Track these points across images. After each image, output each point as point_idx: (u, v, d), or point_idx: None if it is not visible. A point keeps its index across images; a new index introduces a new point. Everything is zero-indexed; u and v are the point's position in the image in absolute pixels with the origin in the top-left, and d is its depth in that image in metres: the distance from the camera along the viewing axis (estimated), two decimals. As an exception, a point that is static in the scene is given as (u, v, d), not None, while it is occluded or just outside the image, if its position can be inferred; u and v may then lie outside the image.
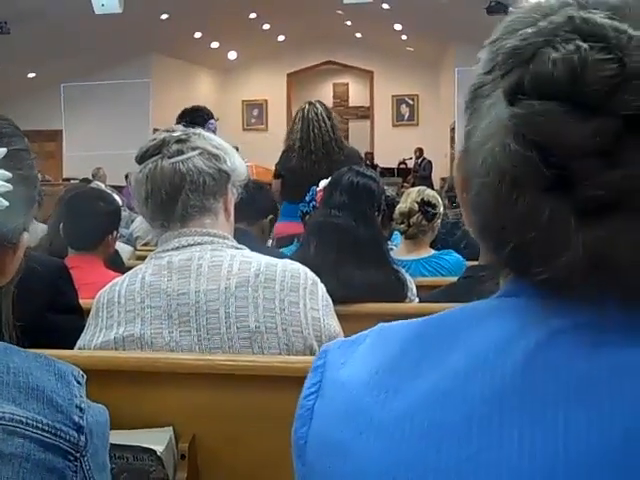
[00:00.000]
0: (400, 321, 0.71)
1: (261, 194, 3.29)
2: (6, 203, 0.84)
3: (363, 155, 16.70)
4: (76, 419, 0.83)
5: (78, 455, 0.82)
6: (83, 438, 0.83)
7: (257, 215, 3.17)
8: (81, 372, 0.88)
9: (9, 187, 0.85)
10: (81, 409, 0.84)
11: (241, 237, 1.80)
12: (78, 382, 0.86)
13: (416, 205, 3.28)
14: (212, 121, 4.36)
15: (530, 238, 0.60)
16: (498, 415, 0.58)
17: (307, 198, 3.43)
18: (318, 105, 4.33)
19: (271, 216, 3.28)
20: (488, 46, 0.68)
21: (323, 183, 3.06)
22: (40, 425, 0.79)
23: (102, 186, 7.83)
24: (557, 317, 0.60)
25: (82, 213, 2.81)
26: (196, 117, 4.02)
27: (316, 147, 4.19)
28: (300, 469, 0.71)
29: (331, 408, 0.68)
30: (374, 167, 13.67)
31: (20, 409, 0.79)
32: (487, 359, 0.61)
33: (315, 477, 0.68)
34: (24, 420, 0.78)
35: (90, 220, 2.78)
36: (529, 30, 0.61)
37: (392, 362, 0.66)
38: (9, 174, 0.86)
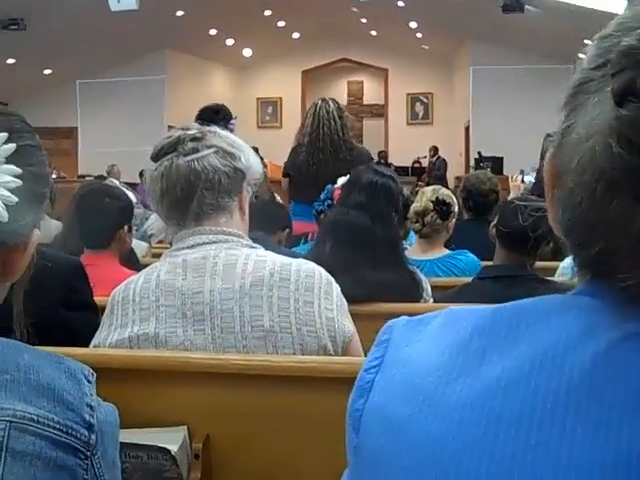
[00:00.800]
0: (471, 307, 0.71)
1: (280, 210, 3.37)
2: (15, 199, 0.84)
3: (376, 153, 16.79)
4: (87, 417, 0.82)
5: (89, 453, 0.82)
6: (94, 436, 0.82)
7: (274, 227, 3.21)
8: (91, 370, 0.87)
9: (19, 182, 0.85)
10: (92, 407, 0.83)
11: (258, 242, 1.79)
12: (88, 380, 0.86)
13: (431, 204, 3.27)
14: (232, 121, 4.36)
15: (619, 243, 0.59)
16: (562, 411, 0.58)
17: (322, 196, 3.43)
18: (331, 103, 4.32)
19: (288, 230, 3.32)
20: (597, 41, 0.65)
21: (341, 181, 3.06)
22: (51, 423, 0.79)
23: (116, 183, 7.86)
24: (632, 322, 0.60)
25: (91, 211, 2.81)
26: (217, 118, 4.01)
27: (324, 145, 4.19)
28: (353, 439, 0.71)
29: (392, 384, 0.68)
30: (388, 165, 13.64)
31: (31, 407, 0.78)
32: (556, 354, 0.60)
33: (368, 450, 0.68)
34: (35, 418, 0.78)
35: (99, 217, 2.79)
36: None
37: (458, 346, 0.66)
38: (19, 170, 0.85)
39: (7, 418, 0.77)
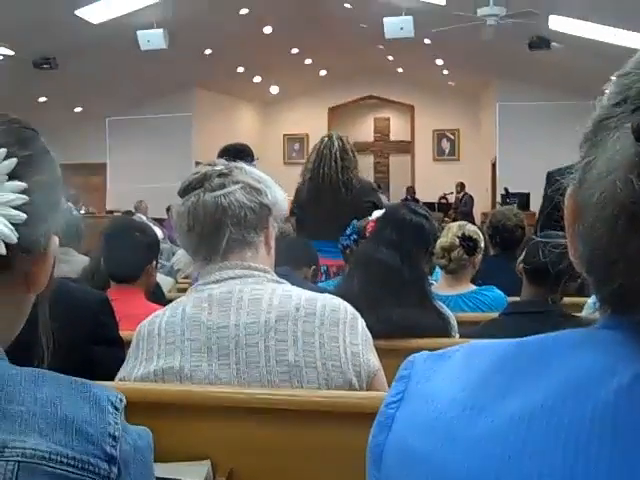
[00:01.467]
0: (491, 340, 0.70)
1: (307, 247, 3.37)
2: (24, 216, 0.81)
3: (405, 189, 16.77)
4: (108, 449, 0.78)
5: None
6: (115, 469, 0.78)
7: (301, 263, 3.21)
8: (119, 396, 0.84)
9: (25, 199, 0.82)
10: (115, 438, 0.79)
11: (283, 277, 1.80)
12: (115, 407, 0.82)
13: (457, 240, 3.26)
14: (254, 162, 4.37)
15: (637, 280, 0.59)
16: (585, 445, 0.57)
17: (348, 231, 3.44)
18: (336, 142, 4.24)
19: (314, 267, 3.32)
20: (617, 78, 0.66)
21: (376, 214, 3.06)
22: (65, 460, 0.75)
23: (144, 218, 7.92)
24: None
25: (122, 245, 2.84)
26: (239, 156, 4.02)
27: (323, 183, 4.17)
28: (374, 476, 0.71)
29: (413, 419, 0.68)
30: (416, 201, 13.66)
31: (45, 442, 0.75)
32: (579, 387, 0.60)
33: None
34: (47, 455, 0.75)
35: (130, 251, 2.81)
36: None
37: (481, 380, 0.66)
38: (23, 184, 0.82)
39: (16, 458, 0.74)
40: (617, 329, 0.63)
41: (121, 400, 0.84)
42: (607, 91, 0.67)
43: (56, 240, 0.88)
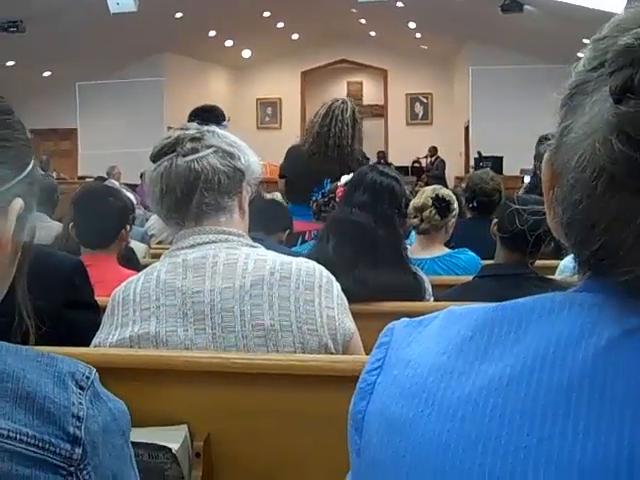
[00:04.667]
0: (470, 306, 0.71)
1: (280, 209, 3.33)
2: None
3: (375, 154, 16.73)
4: (71, 430, 0.75)
5: (72, 469, 0.75)
6: (79, 450, 0.75)
7: (275, 227, 3.19)
8: (86, 372, 0.80)
9: None
10: (79, 418, 0.76)
11: (258, 241, 1.79)
12: (80, 387, 0.78)
13: (430, 200, 3.28)
14: (225, 123, 4.29)
15: (621, 238, 0.59)
16: (564, 407, 0.58)
17: (317, 189, 3.45)
18: (349, 109, 4.09)
19: (288, 230, 3.30)
20: (593, 43, 0.66)
21: (345, 179, 3.06)
22: (24, 438, 0.72)
23: (117, 184, 7.87)
24: (632, 316, 0.60)
25: (91, 212, 2.80)
26: (209, 117, 3.93)
27: (333, 143, 4.02)
28: (356, 442, 0.71)
29: (394, 385, 0.69)
30: (388, 165, 13.63)
31: (3, 420, 0.72)
32: (557, 351, 0.61)
33: (371, 451, 0.69)
34: (5, 433, 0.71)
35: (100, 219, 2.78)
36: None
37: (460, 345, 0.66)
38: None
39: None
40: (596, 292, 0.64)
41: (88, 377, 0.79)
42: (583, 57, 0.67)
43: (20, 202, 0.80)
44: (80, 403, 0.77)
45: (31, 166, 0.84)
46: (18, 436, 0.72)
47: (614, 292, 0.62)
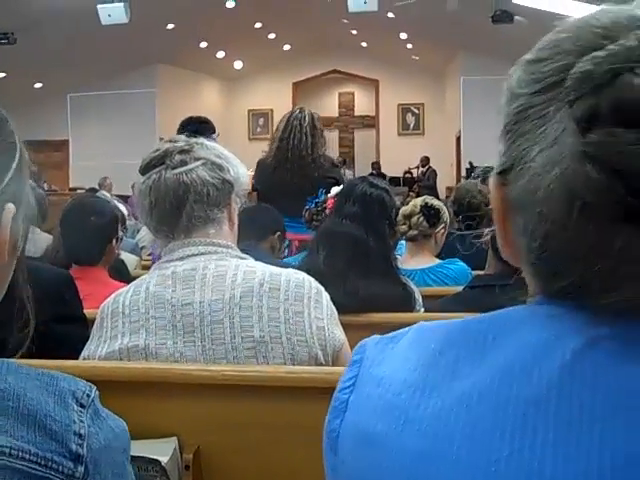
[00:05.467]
0: (440, 321, 0.71)
1: (269, 213, 3.30)
2: None
3: (370, 165, 16.72)
4: (73, 448, 0.75)
5: None
6: (81, 468, 0.75)
7: (265, 233, 3.16)
8: (87, 390, 0.80)
9: None
10: (80, 436, 0.76)
11: (248, 252, 1.79)
12: (81, 405, 0.78)
13: (418, 207, 3.29)
14: (214, 135, 4.29)
15: (600, 267, 0.59)
16: (532, 421, 0.58)
17: (311, 198, 3.45)
18: (307, 116, 4.13)
19: (279, 233, 3.27)
20: (527, 65, 0.66)
21: (335, 190, 3.06)
22: (27, 456, 0.72)
23: (108, 196, 7.86)
24: (593, 326, 0.60)
25: (75, 231, 2.78)
26: (200, 128, 3.92)
27: (292, 156, 4.05)
28: (331, 461, 0.71)
29: (366, 402, 0.69)
30: (382, 176, 13.64)
31: (6, 437, 0.72)
32: (524, 365, 0.61)
33: (347, 469, 0.69)
34: (7, 451, 0.71)
35: (85, 238, 2.75)
36: (600, 53, 0.59)
37: (429, 361, 0.67)
38: None
39: None
40: (554, 305, 0.64)
41: (88, 395, 0.79)
42: (514, 76, 0.67)
43: (12, 207, 0.79)
44: (81, 421, 0.77)
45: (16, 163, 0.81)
46: (21, 454, 0.72)
47: (573, 305, 0.62)
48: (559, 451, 0.56)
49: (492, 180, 0.69)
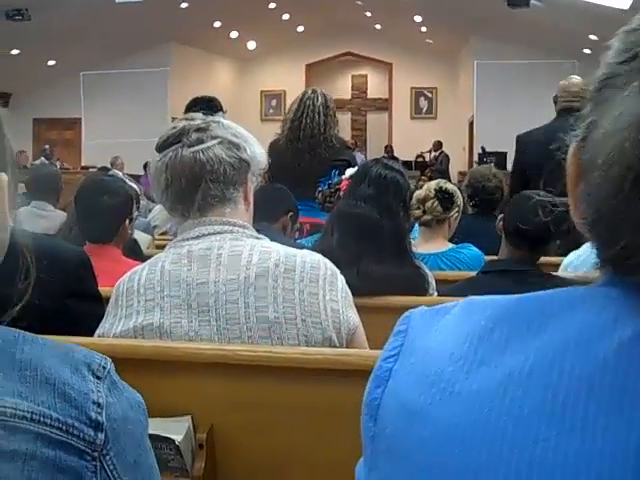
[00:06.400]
0: (490, 296, 0.70)
1: (280, 193, 3.27)
2: None
3: (383, 148, 16.68)
4: (93, 415, 0.74)
5: (96, 454, 0.74)
6: (102, 436, 0.74)
7: (277, 214, 3.14)
8: (102, 363, 0.79)
9: None
10: (99, 405, 0.75)
11: (262, 232, 1.78)
12: (97, 377, 0.77)
13: (433, 192, 3.27)
14: (220, 113, 4.28)
15: None
16: (584, 401, 0.57)
17: (324, 179, 3.44)
18: (319, 96, 4.16)
19: (291, 213, 3.24)
20: (623, 34, 0.65)
21: (350, 172, 3.05)
22: (48, 421, 0.71)
23: (120, 174, 7.86)
24: None
25: (89, 210, 2.80)
26: (207, 107, 3.91)
27: (304, 136, 4.06)
28: (370, 429, 0.70)
29: (411, 373, 0.68)
30: (395, 159, 13.61)
31: (26, 402, 0.71)
32: (579, 343, 0.60)
33: (386, 439, 0.68)
34: (28, 415, 0.70)
35: (98, 217, 2.77)
36: None
37: (480, 335, 0.66)
38: None
39: None
40: (620, 287, 0.63)
41: (104, 367, 0.79)
42: (612, 47, 0.66)
43: (5, 177, 0.78)
44: (99, 391, 0.76)
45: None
46: (42, 419, 0.71)
47: (636, 287, 0.61)
48: (609, 433, 0.55)
49: (571, 148, 0.68)
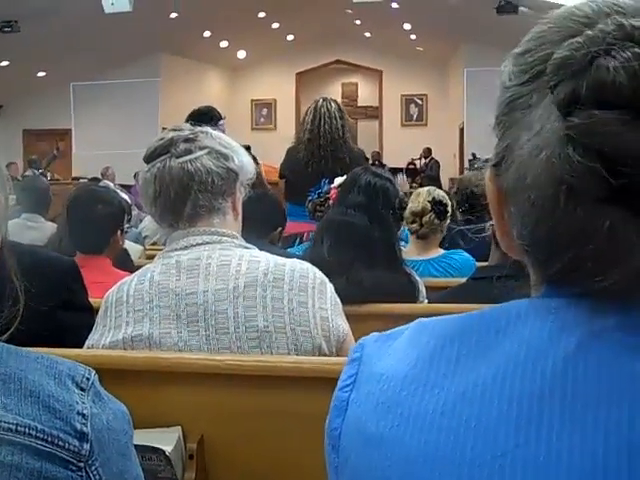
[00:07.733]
0: (438, 317, 0.71)
1: (269, 208, 3.26)
2: None
3: (370, 154, 16.73)
4: (78, 426, 0.76)
5: (82, 465, 0.75)
6: (87, 446, 0.76)
7: (267, 229, 3.14)
8: (86, 374, 0.81)
9: None
10: (84, 416, 0.77)
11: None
12: (81, 388, 0.79)
13: (429, 205, 3.27)
14: (221, 121, 4.32)
15: (588, 250, 0.59)
16: (537, 413, 0.58)
17: (314, 189, 3.44)
18: (332, 103, 4.25)
19: (280, 228, 3.25)
20: (516, 58, 0.67)
21: (338, 181, 3.06)
22: (33, 432, 0.73)
23: (111, 185, 7.85)
24: (598, 318, 0.60)
25: (81, 220, 2.79)
26: (206, 118, 3.93)
27: (324, 142, 4.11)
28: (333, 460, 0.71)
29: (367, 400, 0.69)
30: (382, 167, 13.62)
31: (11, 415, 0.72)
32: (527, 357, 0.61)
33: (349, 468, 0.69)
34: (13, 427, 0.72)
35: (91, 226, 2.76)
36: (578, 39, 0.60)
37: (430, 357, 0.66)
38: None
39: None
40: (561, 297, 0.64)
41: (88, 379, 0.80)
42: (504, 72, 0.68)
43: None
44: (83, 402, 0.78)
45: None
46: (27, 430, 0.72)
47: (576, 296, 0.62)
48: (564, 444, 0.56)
49: (487, 173, 0.70)
